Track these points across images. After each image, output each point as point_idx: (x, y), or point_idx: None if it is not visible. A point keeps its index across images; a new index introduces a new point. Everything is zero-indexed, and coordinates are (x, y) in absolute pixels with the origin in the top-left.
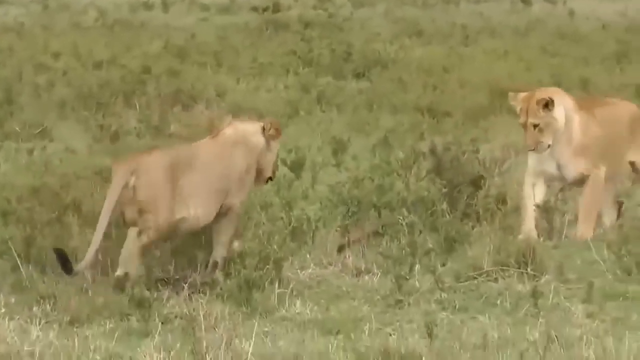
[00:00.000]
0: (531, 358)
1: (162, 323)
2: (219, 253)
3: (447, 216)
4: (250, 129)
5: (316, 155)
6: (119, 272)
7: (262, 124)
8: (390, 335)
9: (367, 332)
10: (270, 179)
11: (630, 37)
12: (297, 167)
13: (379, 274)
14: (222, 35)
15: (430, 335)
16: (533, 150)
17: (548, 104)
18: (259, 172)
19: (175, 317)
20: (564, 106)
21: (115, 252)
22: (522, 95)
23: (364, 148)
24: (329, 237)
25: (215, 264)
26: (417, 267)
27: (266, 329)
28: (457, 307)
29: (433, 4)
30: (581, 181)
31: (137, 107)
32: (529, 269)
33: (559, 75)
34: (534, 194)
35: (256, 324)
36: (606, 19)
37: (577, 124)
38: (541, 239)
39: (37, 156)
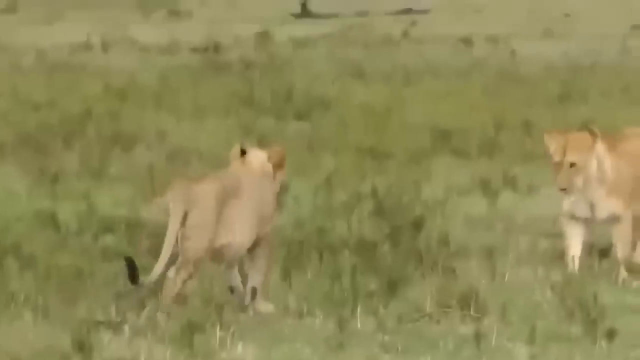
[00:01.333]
0: None
1: None
2: (256, 280)
3: (389, 258)
4: (261, 158)
5: None
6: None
7: (266, 153)
8: None
9: None
10: None
11: (573, 78)
12: None
13: (321, 316)
14: (162, 76)
15: None
16: (564, 190)
17: (595, 139)
18: None
19: None
20: (597, 149)
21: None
22: (559, 134)
23: (306, 190)
24: (271, 279)
25: (254, 290)
26: (359, 309)
27: None
28: (399, 349)
29: (374, 44)
30: (609, 221)
31: (77, 148)
32: (471, 311)
33: (502, 116)
34: (575, 234)
35: None
36: (548, 60)
37: (608, 165)
38: (483, 281)
39: None
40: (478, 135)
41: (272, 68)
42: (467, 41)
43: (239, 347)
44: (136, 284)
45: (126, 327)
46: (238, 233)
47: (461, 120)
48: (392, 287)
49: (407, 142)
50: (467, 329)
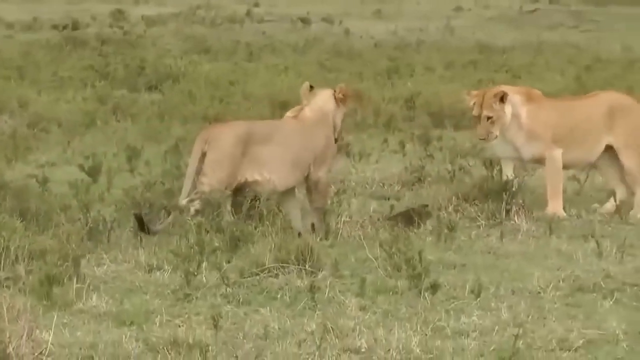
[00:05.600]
0: (308, 347)
1: None
2: (314, 219)
3: (232, 217)
4: (324, 97)
5: (112, 162)
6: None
7: (332, 90)
8: (179, 326)
9: (158, 324)
10: (336, 140)
11: (400, 54)
12: (94, 172)
13: (170, 270)
14: (25, 51)
15: (216, 326)
16: (483, 140)
17: (503, 97)
18: None
19: None
20: (511, 102)
21: None
22: (475, 92)
23: (156, 155)
24: (123, 236)
25: (313, 226)
26: (204, 264)
27: (65, 321)
28: (241, 300)
29: (219, 23)
30: (538, 161)
31: None
32: (307, 266)
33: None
34: (508, 168)
35: (55, 316)
36: (378, 38)
37: (525, 114)
38: (318, 239)
39: None
40: None
41: (126, 44)
42: (305, 20)
43: (94, 298)
44: (149, 233)
45: None
46: (266, 172)
47: (299, 92)
48: (235, 244)
49: (249, 112)
50: (303, 283)
